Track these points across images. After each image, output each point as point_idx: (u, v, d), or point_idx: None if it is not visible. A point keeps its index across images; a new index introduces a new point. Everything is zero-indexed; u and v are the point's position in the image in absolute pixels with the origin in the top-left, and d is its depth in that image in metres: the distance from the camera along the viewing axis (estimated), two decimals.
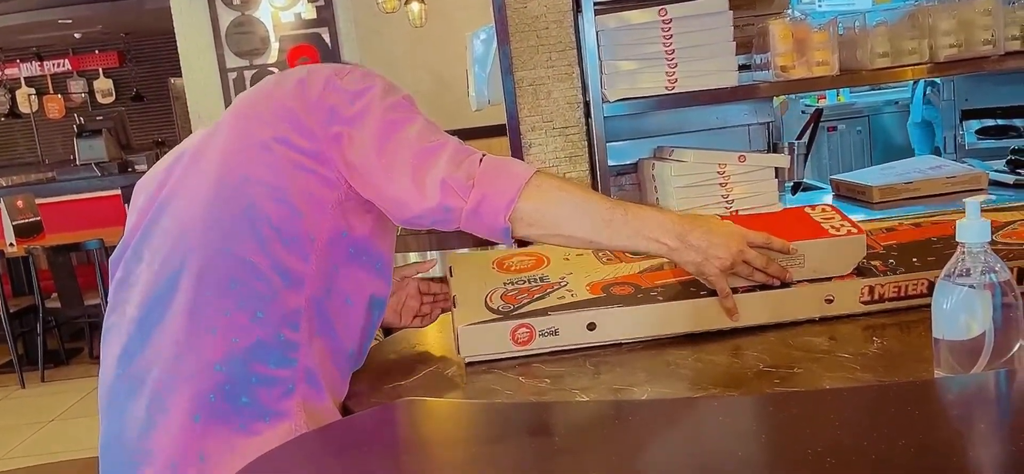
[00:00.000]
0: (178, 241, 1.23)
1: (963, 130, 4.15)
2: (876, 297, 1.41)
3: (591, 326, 1.38)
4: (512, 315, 1.38)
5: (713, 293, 1.38)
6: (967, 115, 4.11)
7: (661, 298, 1.41)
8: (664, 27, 2.44)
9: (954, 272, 0.97)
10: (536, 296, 1.43)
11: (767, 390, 1.15)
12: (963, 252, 0.97)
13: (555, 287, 1.46)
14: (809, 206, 1.59)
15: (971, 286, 0.96)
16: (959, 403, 0.92)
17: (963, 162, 3.06)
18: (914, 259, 1.48)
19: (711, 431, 0.90)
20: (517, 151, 2.72)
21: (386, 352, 1.54)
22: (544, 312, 1.38)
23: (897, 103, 5.87)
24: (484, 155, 1.27)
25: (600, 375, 1.29)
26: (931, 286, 1.38)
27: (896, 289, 1.42)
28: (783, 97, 2.94)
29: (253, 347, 1.19)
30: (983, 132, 4.01)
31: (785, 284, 1.39)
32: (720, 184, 2.53)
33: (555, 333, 1.38)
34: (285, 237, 1.21)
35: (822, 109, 3.59)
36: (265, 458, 0.95)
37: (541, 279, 1.49)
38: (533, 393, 1.24)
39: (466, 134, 6.06)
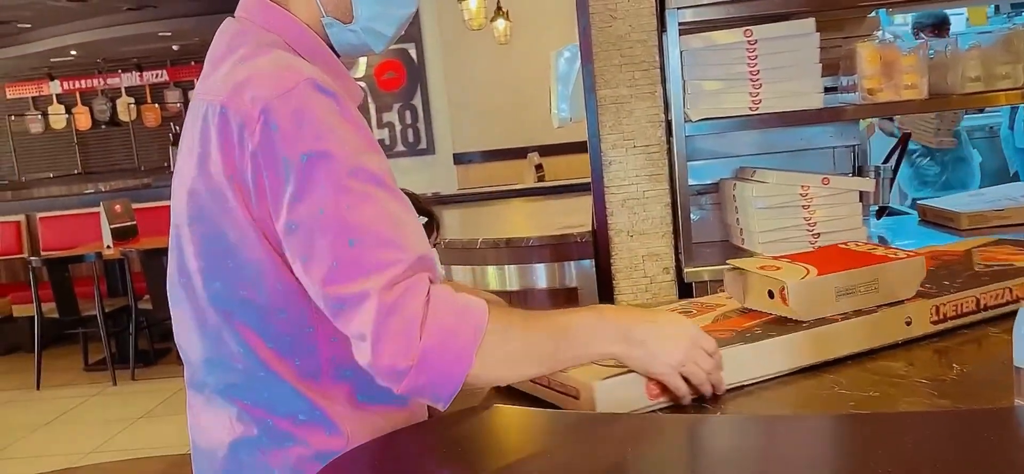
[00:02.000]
0: None
1: None
2: (941, 316, 1.41)
3: None
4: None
5: (816, 323, 1.35)
6: None
7: (765, 335, 1.34)
8: (749, 47, 2.44)
9: None
10: None
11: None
12: None
13: None
14: (841, 243, 1.60)
15: None
16: None
17: None
18: (958, 280, 1.51)
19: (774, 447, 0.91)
20: (598, 169, 2.74)
21: None
22: None
23: (989, 128, 5.71)
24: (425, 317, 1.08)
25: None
26: (978, 302, 1.43)
27: (955, 308, 1.42)
28: (869, 120, 2.89)
29: None
30: None
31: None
32: (803, 206, 2.51)
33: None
34: None
35: (910, 133, 3.51)
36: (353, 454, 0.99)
37: None
38: None
39: (548, 150, 6.10)
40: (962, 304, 1.43)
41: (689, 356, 1.20)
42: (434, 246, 1.74)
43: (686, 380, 1.21)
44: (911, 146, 4.13)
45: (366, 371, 1.10)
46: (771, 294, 1.41)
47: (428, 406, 1.27)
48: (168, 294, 1.30)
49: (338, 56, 1.31)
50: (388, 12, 1.29)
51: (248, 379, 1.21)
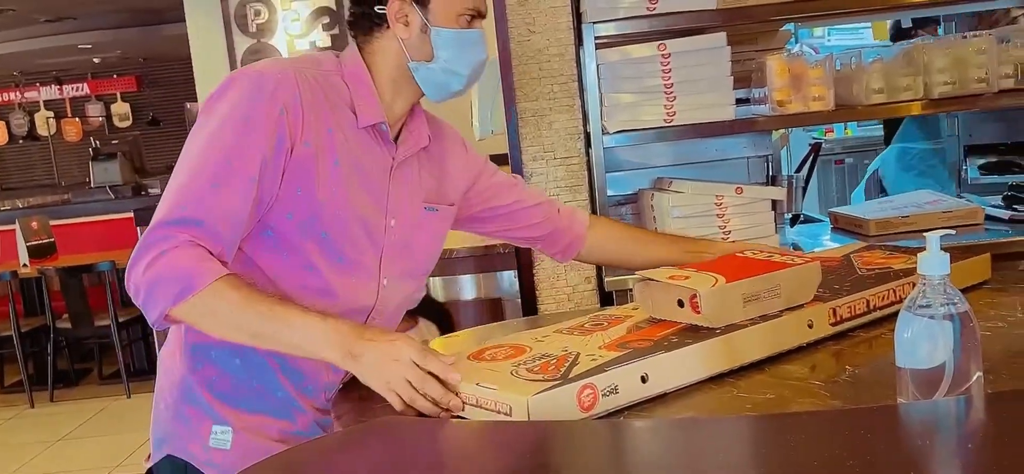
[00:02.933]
0: None
1: (967, 165, 4.17)
2: (838, 318, 1.47)
3: (644, 378, 1.28)
4: (569, 378, 1.26)
5: (726, 329, 1.38)
6: (971, 151, 4.13)
7: (681, 343, 1.36)
8: (664, 61, 2.49)
9: (915, 303, 1.00)
10: (566, 364, 1.33)
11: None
12: (924, 284, 1.00)
13: (572, 357, 1.35)
14: (740, 251, 1.65)
15: (932, 317, 0.99)
16: (916, 428, 0.95)
17: (961, 197, 3.09)
18: (846, 283, 1.58)
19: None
20: None
21: None
22: (601, 369, 1.28)
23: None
24: (181, 245, 1.36)
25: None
26: (868, 304, 1.50)
27: (849, 309, 1.49)
28: (782, 131, 2.98)
29: None
30: (986, 168, 4.02)
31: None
32: (718, 215, 2.57)
33: (615, 391, 1.26)
34: None
35: (821, 143, 3.62)
36: None
37: (546, 355, 1.38)
38: None
39: None
40: (855, 306, 1.50)
41: (402, 375, 1.29)
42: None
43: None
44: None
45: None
46: (681, 303, 1.44)
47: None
48: None
49: (424, 94, 1.58)
50: (462, 56, 1.53)
51: None
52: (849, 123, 6.04)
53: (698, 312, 1.41)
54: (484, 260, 3.21)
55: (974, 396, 0.98)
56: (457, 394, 1.29)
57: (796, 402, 1.18)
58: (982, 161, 4.18)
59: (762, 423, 1.10)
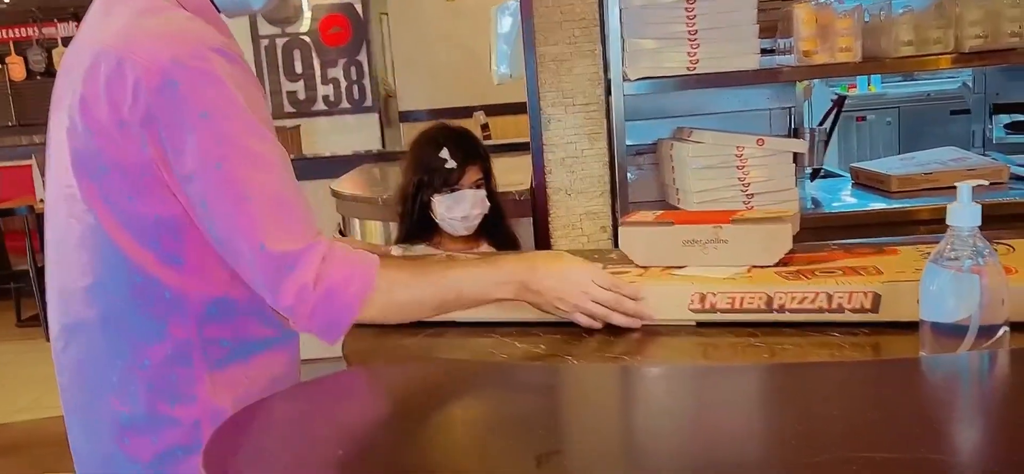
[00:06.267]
0: None
1: (993, 124, 4.11)
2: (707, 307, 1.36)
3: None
4: None
5: None
6: (998, 109, 4.06)
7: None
8: (688, 7, 2.44)
9: (943, 255, 0.98)
10: None
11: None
12: (953, 236, 0.98)
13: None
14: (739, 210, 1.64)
15: (959, 269, 0.97)
16: (939, 381, 0.93)
17: (986, 155, 3.03)
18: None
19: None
20: (537, 127, 2.74)
21: None
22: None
23: (929, 95, 5.80)
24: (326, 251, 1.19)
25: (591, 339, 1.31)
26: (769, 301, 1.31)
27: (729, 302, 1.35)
28: (806, 83, 2.92)
29: None
30: (1012, 127, 3.96)
31: None
32: (738, 167, 2.53)
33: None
34: None
35: (846, 96, 3.56)
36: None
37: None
38: (526, 358, 1.27)
39: (495, 109, 6.06)
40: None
41: (586, 296, 1.31)
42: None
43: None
44: None
45: None
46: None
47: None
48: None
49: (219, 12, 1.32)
50: None
51: None
52: (873, 78, 5.95)
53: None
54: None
55: (999, 351, 0.96)
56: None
57: (814, 354, 1.16)
58: (1008, 120, 4.11)
59: (780, 372, 1.08)
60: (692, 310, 1.33)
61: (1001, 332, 0.96)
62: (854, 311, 1.24)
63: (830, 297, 1.26)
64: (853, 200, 2.72)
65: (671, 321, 1.34)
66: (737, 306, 1.31)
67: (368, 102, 6.78)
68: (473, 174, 2.29)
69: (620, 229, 1.56)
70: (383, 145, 6.71)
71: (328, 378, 1.04)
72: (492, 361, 1.26)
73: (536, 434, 0.87)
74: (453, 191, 2.25)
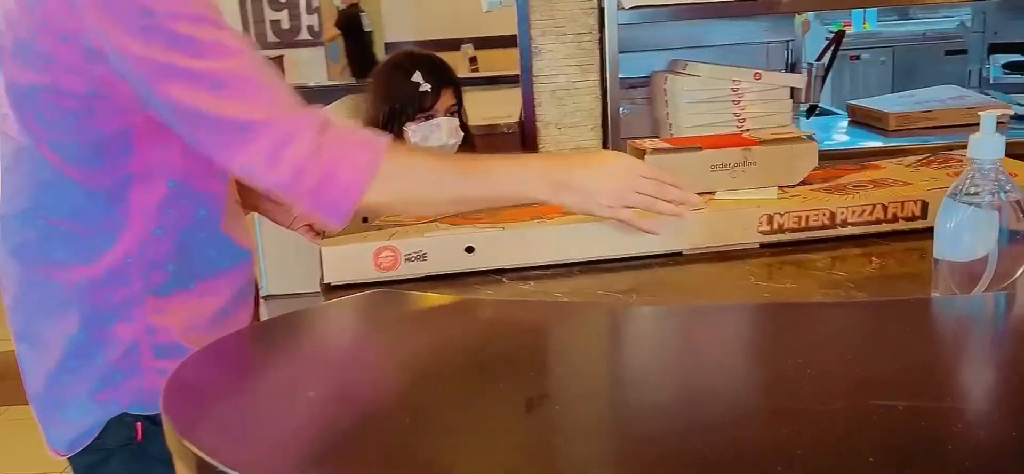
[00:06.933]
0: None
1: (990, 63, 4.05)
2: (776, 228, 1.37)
3: (469, 249, 1.27)
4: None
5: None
6: (995, 49, 4.00)
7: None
8: None
9: (961, 190, 0.92)
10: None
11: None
12: (973, 169, 0.91)
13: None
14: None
15: (978, 205, 0.91)
16: (952, 322, 0.88)
17: (986, 94, 2.97)
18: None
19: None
20: (527, 58, 2.65)
21: None
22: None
23: (925, 35, 5.71)
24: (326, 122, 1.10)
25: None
26: (832, 216, 1.37)
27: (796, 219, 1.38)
28: (805, 16, 2.84)
29: None
30: (1010, 67, 3.90)
31: None
32: (734, 101, 2.46)
33: (423, 258, 1.27)
34: None
35: (845, 31, 3.48)
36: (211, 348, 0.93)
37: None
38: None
39: (483, 42, 5.95)
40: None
41: (625, 189, 1.22)
42: None
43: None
44: None
45: None
46: None
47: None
48: None
49: None
50: None
51: None
52: (868, 16, 5.86)
53: None
54: (486, 141, 3.12)
55: (1018, 292, 0.91)
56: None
57: (819, 293, 1.11)
58: (1006, 60, 4.05)
59: (782, 311, 1.02)
60: (760, 232, 1.34)
61: (1021, 272, 0.91)
62: (906, 219, 1.34)
63: (886, 208, 1.34)
64: (848, 138, 2.67)
65: (736, 245, 1.34)
66: (804, 224, 1.34)
67: None
68: (447, 99, 2.21)
69: (647, 158, 1.48)
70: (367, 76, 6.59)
71: (294, 314, 0.97)
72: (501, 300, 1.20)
73: (526, 376, 0.81)
74: (428, 117, 2.16)
